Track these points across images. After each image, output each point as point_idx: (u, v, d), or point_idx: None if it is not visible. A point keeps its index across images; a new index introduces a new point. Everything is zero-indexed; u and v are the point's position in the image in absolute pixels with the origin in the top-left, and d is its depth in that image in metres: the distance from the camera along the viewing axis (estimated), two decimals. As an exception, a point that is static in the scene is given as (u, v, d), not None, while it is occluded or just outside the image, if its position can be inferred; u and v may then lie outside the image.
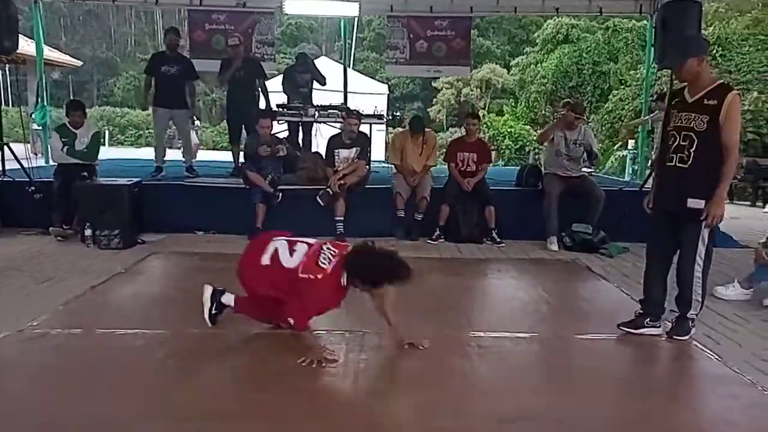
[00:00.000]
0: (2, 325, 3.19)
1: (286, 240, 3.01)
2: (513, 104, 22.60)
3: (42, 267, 4.42)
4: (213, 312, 3.16)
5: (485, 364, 2.84)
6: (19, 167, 5.77)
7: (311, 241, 3.03)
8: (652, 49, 7.25)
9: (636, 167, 10.08)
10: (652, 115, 8.14)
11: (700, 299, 3.20)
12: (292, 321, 2.81)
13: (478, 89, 27.03)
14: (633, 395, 2.57)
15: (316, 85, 7.37)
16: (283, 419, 2.29)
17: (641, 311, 3.30)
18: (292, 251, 2.93)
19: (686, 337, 3.21)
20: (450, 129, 25.89)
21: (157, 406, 2.37)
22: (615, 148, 14.23)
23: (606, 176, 8.91)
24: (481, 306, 3.90)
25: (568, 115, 5.66)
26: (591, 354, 3.03)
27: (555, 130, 5.72)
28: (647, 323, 3.25)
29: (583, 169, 5.80)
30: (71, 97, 32.23)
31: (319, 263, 2.84)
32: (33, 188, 5.55)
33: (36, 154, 8.49)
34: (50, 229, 5.37)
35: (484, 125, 18.82)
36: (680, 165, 3.09)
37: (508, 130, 18.67)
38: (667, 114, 3.26)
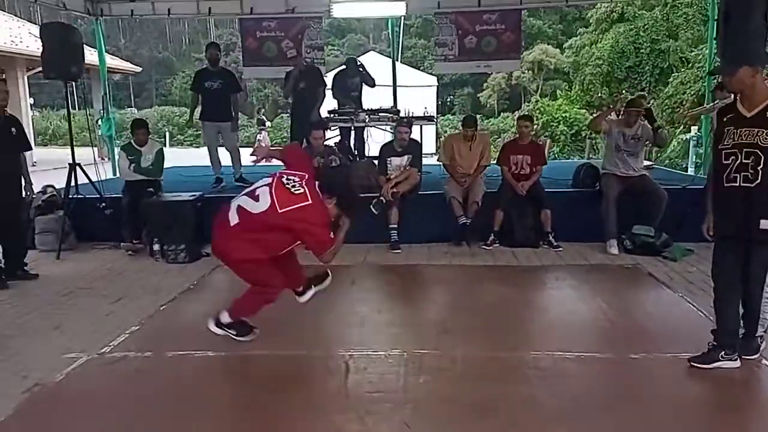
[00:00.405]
0: (82, 346, 3.44)
1: (241, 195, 3.17)
2: (567, 87, 21.99)
3: (115, 285, 4.68)
4: (236, 333, 3.31)
5: (545, 390, 2.83)
6: (89, 183, 6.08)
7: (262, 181, 3.18)
8: (715, 24, 6.82)
9: (700, 151, 9.65)
10: (714, 103, 7.76)
11: (764, 323, 3.09)
12: (323, 253, 3.07)
13: (530, 71, 26.43)
14: (699, 425, 2.51)
15: (365, 87, 7.44)
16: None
17: (714, 343, 3.09)
18: (255, 198, 3.09)
19: (756, 356, 3.10)
20: (501, 114, 25.51)
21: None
22: (677, 132, 13.64)
23: (668, 169, 8.58)
24: (539, 322, 3.85)
25: (631, 114, 5.49)
26: (654, 377, 2.96)
27: (606, 116, 5.55)
28: (722, 356, 3.03)
29: (645, 163, 5.58)
30: (132, 98, 33.68)
31: (292, 191, 3.03)
32: (104, 204, 5.86)
33: (103, 159, 8.94)
34: (121, 244, 5.68)
35: (538, 111, 18.43)
36: (745, 185, 2.90)
37: (563, 115, 18.16)
38: (719, 132, 3.05)
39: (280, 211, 2.98)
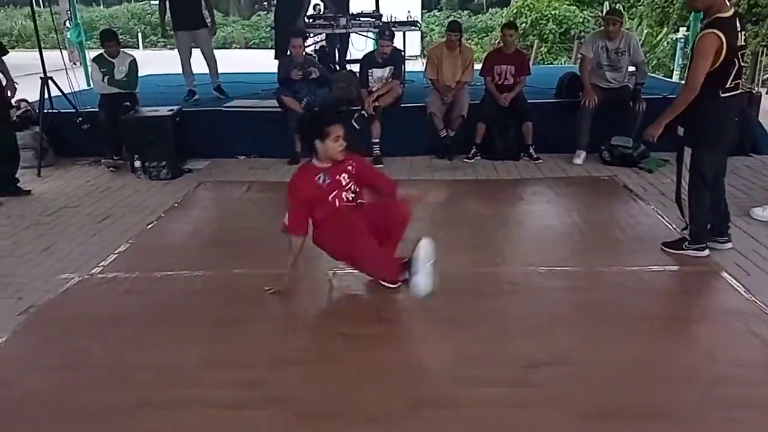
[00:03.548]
0: (71, 267, 3.54)
1: None
2: (557, -18, 21.01)
3: (99, 204, 4.72)
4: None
5: (517, 304, 3.01)
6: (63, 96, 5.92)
7: None
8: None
9: (687, 52, 9.51)
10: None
11: (688, 222, 3.44)
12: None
13: (520, -38, 25.15)
14: (655, 335, 2.71)
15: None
16: (321, 362, 2.53)
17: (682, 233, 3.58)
18: None
19: (674, 251, 3.49)
20: (490, 10, 24.54)
21: (222, 353, 2.63)
22: (664, 31, 13.32)
23: (653, 75, 8.47)
24: (514, 237, 4.00)
25: (608, 22, 5.41)
26: (618, 289, 3.13)
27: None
28: (685, 246, 3.48)
29: (629, 84, 5.57)
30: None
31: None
32: (80, 119, 5.76)
33: (74, 63, 8.63)
34: (102, 160, 5.65)
35: (526, 8, 17.75)
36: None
37: (552, 12, 17.49)
38: None
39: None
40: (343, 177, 3.01)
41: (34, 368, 2.58)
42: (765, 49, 9.74)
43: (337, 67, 7.08)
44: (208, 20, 6.70)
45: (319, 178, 2.96)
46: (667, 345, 2.64)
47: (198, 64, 6.82)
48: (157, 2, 7.37)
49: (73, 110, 5.77)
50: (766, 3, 11.37)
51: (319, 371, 2.49)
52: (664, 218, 4.08)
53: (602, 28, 5.65)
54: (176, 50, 6.78)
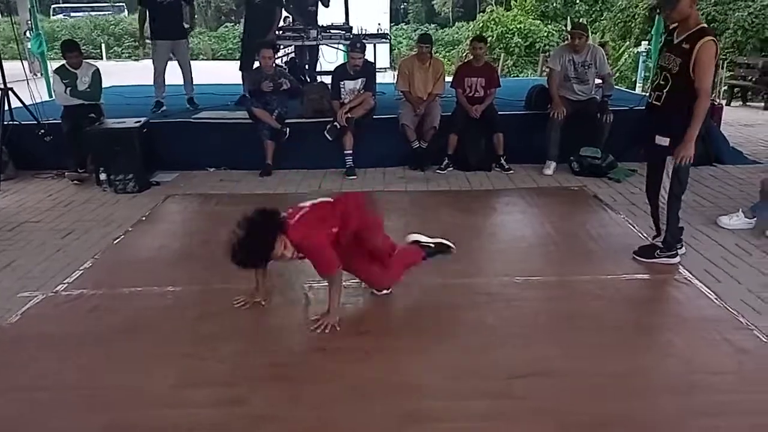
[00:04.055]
0: (34, 285, 3.41)
1: None
2: (522, -3, 21.47)
3: (63, 218, 4.57)
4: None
5: (492, 315, 3.00)
6: (24, 108, 5.74)
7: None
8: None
9: (650, 65, 9.79)
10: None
11: (664, 229, 3.49)
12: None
13: (486, -22, 25.60)
14: (630, 344, 2.73)
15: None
16: (302, 378, 2.47)
17: (654, 241, 3.58)
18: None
19: (646, 260, 3.54)
20: (456, 24, 24.88)
21: (199, 371, 2.54)
22: (626, 45, 13.72)
23: (618, 87, 8.69)
24: (488, 248, 4.01)
25: (574, 36, 5.53)
26: (593, 298, 3.16)
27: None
28: (657, 254, 3.53)
29: (596, 96, 5.69)
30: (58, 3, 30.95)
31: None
32: (42, 131, 5.58)
33: (35, 75, 8.38)
34: (66, 174, 5.48)
35: (492, 22, 18.06)
36: (655, 102, 3.33)
37: (518, 26, 17.85)
38: (660, 51, 3.45)
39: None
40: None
41: (-3, 392, 2.45)
42: (723, 63, 10.10)
43: (308, 79, 7.04)
44: (187, 26, 6.60)
45: None
46: (644, 354, 2.67)
47: (169, 75, 6.69)
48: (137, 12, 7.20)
49: (35, 122, 5.59)
50: (723, 19, 11.81)
51: (301, 387, 2.43)
52: (634, 227, 4.15)
53: (568, 41, 5.76)
54: (150, 60, 6.64)
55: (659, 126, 3.32)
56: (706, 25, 3.25)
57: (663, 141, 3.30)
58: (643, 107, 5.75)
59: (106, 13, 26.89)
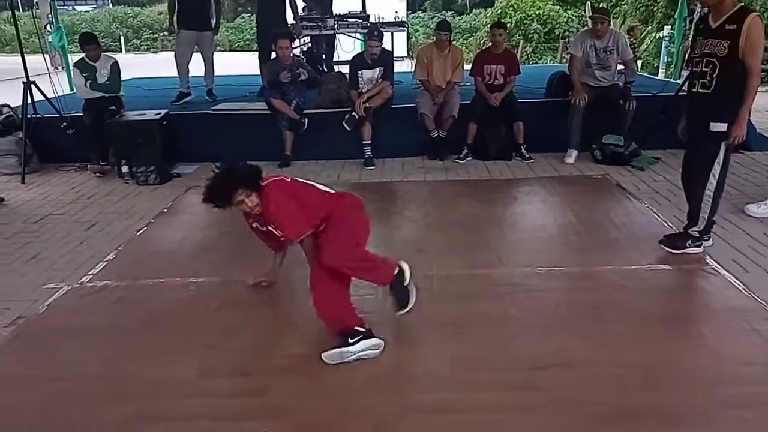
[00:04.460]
0: (59, 276, 3.45)
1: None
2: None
3: (87, 210, 4.62)
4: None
5: (516, 306, 2.98)
6: (47, 101, 5.80)
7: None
8: None
9: (673, 50, 9.58)
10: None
11: (706, 218, 3.40)
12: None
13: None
14: (656, 335, 2.69)
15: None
16: (320, 369, 2.47)
17: (689, 230, 3.47)
18: None
19: (677, 251, 3.44)
20: (474, 11, 24.62)
21: (219, 361, 2.57)
22: (648, 29, 13.45)
23: (640, 73, 8.50)
24: (510, 238, 3.96)
25: (596, 21, 5.42)
26: (617, 288, 3.12)
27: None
28: (689, 244, 3.44)
29: (619, 82, 5.58)
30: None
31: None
32: (65, 124, 5.64)
33: (56, 68, 8.49)
34: (88, 166, 5.54)
35: (510, 8, 17.84)
36: (702, 91, 3.21)
37: (536, 12, 17.62)
38: (694, 41, 3.35)
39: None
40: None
41: (23, 381, 2.49)
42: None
43: (325, 69, 7.02)
44: (213, 20, 6.62)
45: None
46: (670, 345, 2.62)
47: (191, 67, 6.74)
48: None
49: (57, 115, 5.66)
50: (749, 1, 11.51)
51: (319, 379, 2.43)
52: (659, 216, 4.08)
53: (589, 27, 5.65)
54: (168, 52, 6.69)
55: (713, 112, 3.19)
56: (743, 4, 3.18)
57: (720, 127, 3.18)
58: (670, 93, 5.72)
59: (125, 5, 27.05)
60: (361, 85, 5.57)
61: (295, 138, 5.57)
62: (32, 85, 5.57)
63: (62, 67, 8.70)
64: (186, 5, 6.38)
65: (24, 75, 5.58)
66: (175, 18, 6.52)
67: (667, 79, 7.79)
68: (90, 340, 2.79)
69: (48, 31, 9.52)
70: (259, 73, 6.88)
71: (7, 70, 9.39)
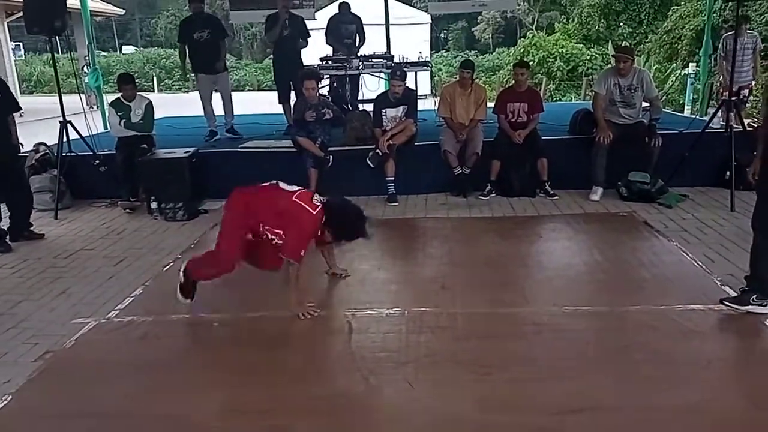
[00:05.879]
0: (87, 311, 3.50)
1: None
2: (564, 20, 21.41)
3: (116, 246, 4.71)
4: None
5: (541, 346, 2.93)
6: (81, 139, 5.99)
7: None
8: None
9: (698, 86, 9.52)
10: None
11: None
12: (288, 256, 3.20)
13: (526, 2, 25.63)
14: (689, 378, 2.61)
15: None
16: (345, 410, 2.46)
17: (746, 287, 3.18)
18: (290, 186, 3.41)
19: (741, 308, 3.15)
20: (497, 49, 24.94)
21: (243, 400, 2.56)
22: (673, 66, 13.43)
23: (665, 110, 8.47)
24: (535, 276, 3.92)
25: (619, 60, 5.43)
26: (647, 329, 3.04)
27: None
28: (753, 300, 3.11)
29: (644, 119, 5.56)
30: (116, 39, 32.63)
31: (314, 200, 3.28)
32: (97, 161, 5.81)
33: (92, 107, 8.79)
34: (119, 203, 5.68)
35: (533, 47, 18.01)
36: None
37: (560, 50, 17.73)
38: None
39: (293, 200, 3.25)
40: None
41: (48, 418, 2.51)
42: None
43: (350, 107, 7.14)
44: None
45: None
46: (704, 389, 2.53)
47: (216, 106, 6.97)
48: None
49: (91, 153, 5.84)
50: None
51: (343, 419, 2.41)
52: (687, 254, 3.99)
53: (613, 65, 5.67)
54: (192, 90, 6.97)
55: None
56: None
57: None
58: (695, 130, 5.67)
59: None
60: (384, 123, 5.65)
61: (320, 175, 5.64)
62: (68, 124, 5.77)
63: (97, 107, 9.01)
64: (196, 51, 6.73)
65: (61, 114, 5.79)
66: (188, 63, 6.90)
67: (694, 116, 7.72)
68: (115, 376, 2.81)
69: (85, 72, 9.91)
70: (281, 112, 7.07)
71: (44, 109, 9.78)
